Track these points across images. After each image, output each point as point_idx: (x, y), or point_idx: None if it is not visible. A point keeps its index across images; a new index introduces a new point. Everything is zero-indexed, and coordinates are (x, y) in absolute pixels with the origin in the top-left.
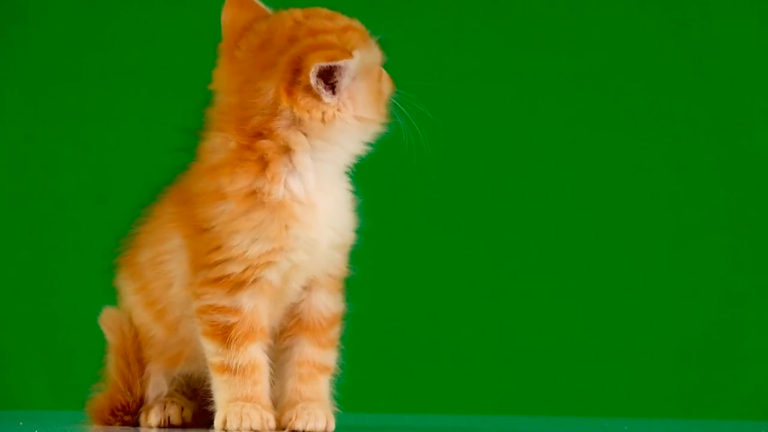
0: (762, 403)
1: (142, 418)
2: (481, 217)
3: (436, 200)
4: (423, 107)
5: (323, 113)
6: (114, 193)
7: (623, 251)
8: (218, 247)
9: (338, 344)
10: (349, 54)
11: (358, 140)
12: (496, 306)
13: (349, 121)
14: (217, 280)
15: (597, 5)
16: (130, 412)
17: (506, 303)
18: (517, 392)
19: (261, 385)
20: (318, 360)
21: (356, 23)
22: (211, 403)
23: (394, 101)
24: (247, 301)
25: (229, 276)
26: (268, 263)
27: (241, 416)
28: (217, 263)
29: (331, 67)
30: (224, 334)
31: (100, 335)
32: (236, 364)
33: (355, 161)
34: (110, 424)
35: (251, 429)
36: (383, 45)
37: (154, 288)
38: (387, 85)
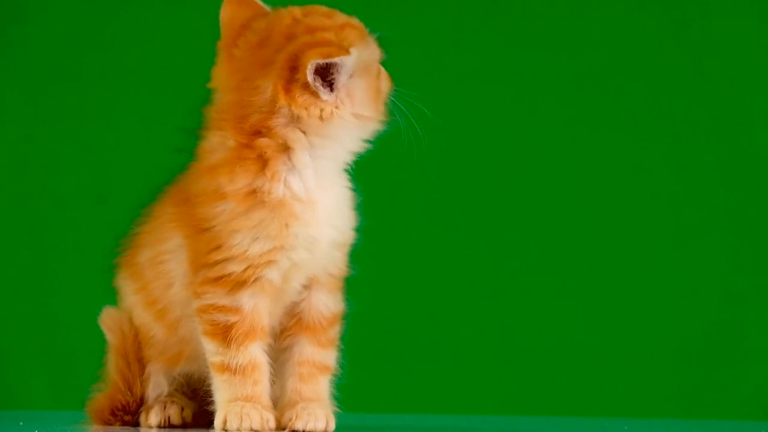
0: (762, 403)
1: (142, 418)
2: (481, 217)
3: (436, 199)
4: (422, 106)
5: (321, 110)
6: (114, 193)
7: (623, 251)
8: (218, 247)
9: (338, 344)
10: (346, 51)
11: (356, 138)
12: (496, 306)
13: (346, 118)
14: (218, 280)
15: (597, 5)
16: (130, 412)
17: (506, 303)
18: (517, 392)
19: (261, 384)
20: (318, 359)
21: (355, 21)
22: (212, 402)
23: (394, 100)
24: (247, 300)
25: (229, 275)
26: (269, 262)
27: (241, 416)
28: (217, 262)
29: (327, 64)
30: (224, 334)
31: (100, 335)
32: (236, 364)
33: (354, 158)
34: (110, 424)
35: (251, 429)
36: (382, 43)
37: (155, 288)
38: (386, 84)
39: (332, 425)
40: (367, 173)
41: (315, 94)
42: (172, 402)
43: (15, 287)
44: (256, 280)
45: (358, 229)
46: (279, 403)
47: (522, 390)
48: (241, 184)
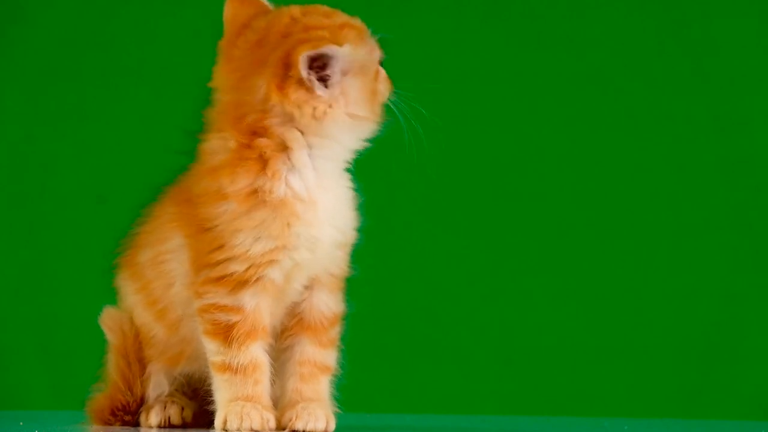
0: (762, 403)
1: (142, 418)
2: (481, 217)
3: (436, 200)
4: (421, 107)
5: (314, 109)
6: (114, 193)
7: (623, 251)
8: (221, 246)
9: (339, 344)
10: (338, 44)
11: (354, 137)
12: (496, 306)
13: (340, 117)
14: (220, 279)
15: (597, 5)
16: (131, 411)
17: (506, 303)
18: (517, 392)
19: (262, 384)
20: (319, 359)
21: (355, 21)
22: (212, 402)
23: (393, 101)
24: (249, 299)
25: (231, 275)
26: (271, 261)
27: (242, 416)
28: (219, 262)
29: (318, 54)
30: (226, 333)
31: (100, 335)
32: (237, 363)
33: (353, 157)
34: (110, 424)
35: (251, 429)
36: (383, 44)
37: (155, 288)
38: (384, 86)
39: (332, 425)
40: (366, 173)
41: (310, 91)
42: (173, 402)
43: (15, 287)
44: (258, 279)
45: (359, 229)
46: (279, 402)
47: (522, 390)
48: (243, 185)
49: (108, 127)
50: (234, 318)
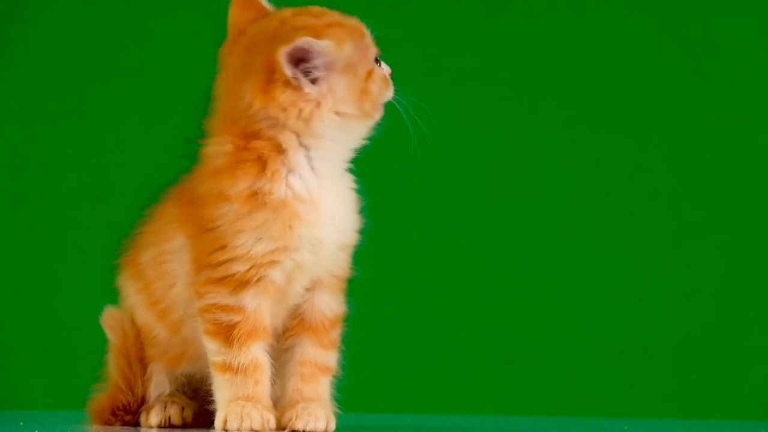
0: (762, 403)
1: (142, 418)
2: (481, 217)
3: (436, 200)
4: (422, 106)
5: (300, 111)
6: (114, 193)
7: (623, 251)
8: (223, 247)
9: (340, 345)
10: (316, 37)
11: (347, 136)
12: (496, 306)
13: (328, 117)
14: (221, 280)
15: (597, 5)
16: (131, 411)
17: (506, 303)
18: (517, 392)
19: (262, 384)
20: (320, 360)
21: (349, 20)
22: (212, 402)
23: (394, 101)
24: (250, 300)
25: (233, 275)
26: (272, 262)
27: (242, 416)
28: (221, 263)
29: (294, 49)
30: (227, 333)
31: (100, 335)
32: (238, 363)
33: (353, 157)
34: (111, 424)
35: (251, 429)
36: (378, 42)
37: (157, 288)
38: (380, 85)
39: (332, 425)
40: (366, 173)
41: (297, 90)
42: (173, 402)
43: (15, 287)
44: (259, 280)
45: (359, 230)
46: (279, 403)
47: (522, 390)
48: (243, 186)
49: (108, 127)
50: (235, 318)
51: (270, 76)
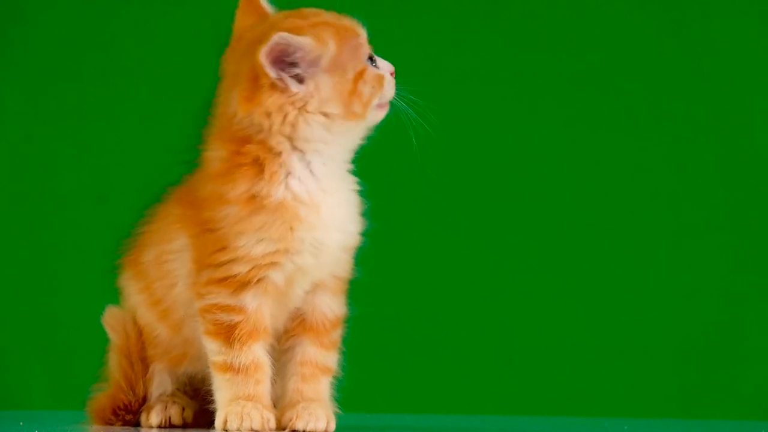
0: (762, 403)
1: (143, 418)
2: (481, 217)
3: (436, 200)
4: (424, 108)
5: (285, 116)
6: (114, 193)
7: (623, 251)
8: (224, 248)
9: (340, 346)
10: (292, 33)
11: (340, 137)
12: (496, 306)
13: (314, 119)
14: (223, 281)
15: (597, 5)
16: (133, 411)
17: (506, 303)
18: (517, 392)
19: (263, 384)
20: (320, 361)
21: (340, 21)
22: (213, 402)
23: (394, 101)
24: (250, 300)
25: (234, 276)
26: (272, 264)
27: (242, 416)
28: (222, 263)
29: (271, 47)
30: (228, 333)
31: (100, 335)
32: (239, 363)
33: (351, 157)
34: (111, 424)
35: (252, 429)
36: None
37: (158, 287)
38: (373, 86)
39: (333, 425)
40: (366, 174)
41: (285, 91)
42: (174, 402)
43: (15, 287)
44: (259, 281)
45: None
46: (280, 402)
47: (522, 390)
48: (242, 190)
49: (108, 127)
50: (236, 318)
51: (255, 83)
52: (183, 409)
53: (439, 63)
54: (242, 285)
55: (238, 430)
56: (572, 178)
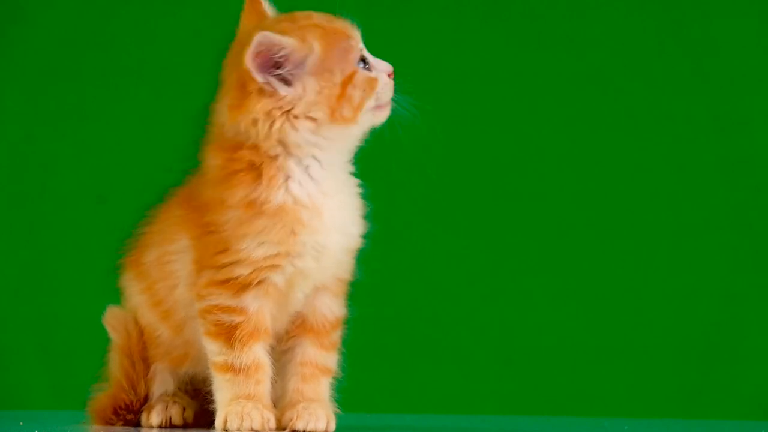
0: (762, 403)
1: (143, 418)
2: (481, 217)
3: (436, 200)
4: (424, 108)
5: (272, 122)
6: (114, 193)
7: (623, 251)
8: (226, 250)
9: (340, 347)
10: (274, 33)
11: (332, 141)
12: (496, 306)
13: (300, 125)
14: (224, 282)
15: (597, 5)
16: (134, 411)
17: (506, 303)
18: (517, 392)
19: (263, 384)
20: (321, 361)
21: (331, 23)
22: (213, 402)
23: (394, 101)
24: (251, 301)
25: (236, 278)
26: (273, 266)
27: (242, 416)
28: (224, 265)
29: (254, 49)
30: (228, 334)
31: (100, 335)
32: (240, 363)
33: (350, 160)
34: (112, 424)
35: (252, 429)
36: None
37: (160, 288)
38: (362, 88)
39: (333, 425)
40: (365, 174)
41: (273, 95)
42: (174, 402)
43: (15, 287)
44: (260, 282)
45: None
46: (280, 403)
47: (522, 390)
48: (241, 195)
49: (108, 127)
50: (237, 319)
51: (242, 90)
52: (184, 409)
53: (438, 63)
54: (243, 287)
55: (239, 429)
56: (572, 178)
